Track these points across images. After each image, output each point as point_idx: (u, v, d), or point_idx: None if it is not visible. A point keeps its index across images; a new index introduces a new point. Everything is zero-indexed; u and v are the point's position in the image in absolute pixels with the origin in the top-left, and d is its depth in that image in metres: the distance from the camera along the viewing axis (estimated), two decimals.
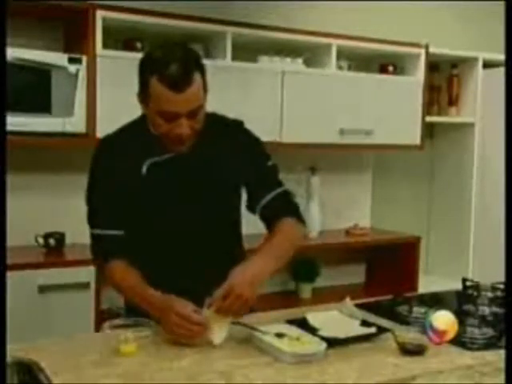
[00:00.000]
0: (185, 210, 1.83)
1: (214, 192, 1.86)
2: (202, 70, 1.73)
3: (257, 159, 1.93)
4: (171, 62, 1.66)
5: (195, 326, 1.62)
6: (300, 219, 1.93)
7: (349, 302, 1.95)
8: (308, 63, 3.46)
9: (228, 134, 1.90)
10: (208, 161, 1.84)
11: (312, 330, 1.71)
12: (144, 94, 1.74)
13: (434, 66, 3.96)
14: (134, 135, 1.85)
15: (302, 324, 1.75)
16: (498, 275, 2.21)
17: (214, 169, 1.85)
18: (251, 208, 1.94)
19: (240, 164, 1.88)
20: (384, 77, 3.69)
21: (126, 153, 1.82)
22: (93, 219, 1.86)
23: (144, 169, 1.80)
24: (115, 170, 1.81)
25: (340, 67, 3.56)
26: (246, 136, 1.94)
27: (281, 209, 1.90)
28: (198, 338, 1.62)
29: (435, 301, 1.98)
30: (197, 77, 1.69)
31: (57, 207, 3.14)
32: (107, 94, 2.84)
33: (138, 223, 1.85)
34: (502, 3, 3.75)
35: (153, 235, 1.86)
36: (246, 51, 3.31)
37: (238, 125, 1.95)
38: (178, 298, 1.67)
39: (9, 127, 2.28)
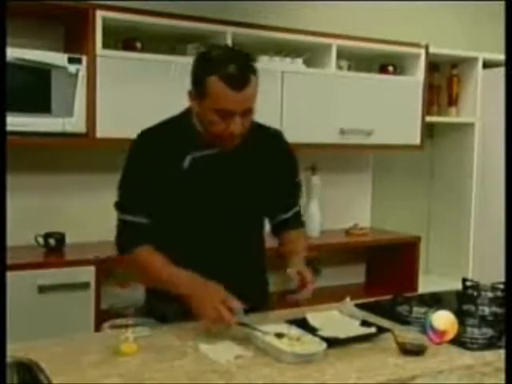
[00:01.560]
0: (219, 206, 1.89)
1: (248, 192, 1.93)
2: (256, 73, 1.79)
3: (288, 173, 2.05)
4: (232, 62, 1.73)
5: (227, 313, 1.65)
6: (305, 230, 2.18)
7: (349, 302, 1.95)
8: (308, 63, 3.46)
9: (268, 140, 1.99)
10: (246, 162, 1.91)
11: (312, 330, 1.71)
12: (198, 92, 1.77)
13: (434, 66, 3.96)
14: (177, 129, 1.89)
15: (302, 324, 1.75)
16: (498, 275, 2.21)
17: (250, 171, 1.93)
18: (269, 216, 2.07)
19: (273, 172, 1.97)
20: (384, 77, 3.69)
21: (168, 145, 1.85)
22: (124, 205, 1.89)
23: (186, 162, 1.84)
24: (155, 160, 1.84)
25: (340, 67, 3.56)
26: (284, 147, 2.05)
27: (294, 224, 2.09)
28: (224, 324, 1.65)
29: (435, 301, 1.98)
30: (253, 78, 1.77)
31: (57, 207, 3.13)
32: (107, 94, 2.84)
33: (171, 215, 1.88)
34: (502, 3, 3.74)
35: (184, 227, 1.89)
36: (246, 51, 3.30)
37: (278, 133, 2.07)
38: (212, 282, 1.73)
39: (9, 127, 2.27)
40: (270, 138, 2.01)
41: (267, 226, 2.10)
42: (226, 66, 1.72)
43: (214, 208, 1.88)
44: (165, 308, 1.89)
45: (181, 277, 1.77)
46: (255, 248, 2.03)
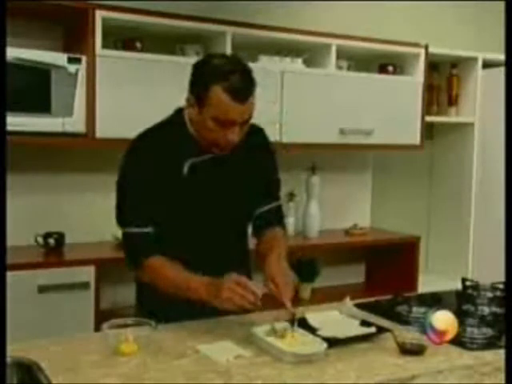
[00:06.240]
0: (215, 208, 1.90)
1: (239, 193, 1.96)
2: (255, 84, 1.82)
3: (268, 170, 2.05)
4: (235, 73, 1.75)
5: (250, 295, 1.66)
6: (285, 231, 2.10)
7: (349, 302, 1.95)
8: (308, 63, 3.46)
9: (251, 138, 1.93)
10: (236, 163, 1.92)
11: (312, 330, 1.71)
12: (199, 100, 1.78)
13: (434, 66, 3.96)
14: (171, 134, 1.88)
15: (302, 324, 1.75)
16: (498, 275, 2.22)
17: (240, 171, 1.94)
18: (250, 213, 2.04)
19: (256, 169, 1.98)
20: (384, 77, 3.69)
21: (166, 153, 1.84)
22: (127, 218, 1.87)
23: (185, 169, 1.85)
24: (154, 168, 1.83)
25: (340, 67, 3.56)
26: (265, 144, 2.05)
27: (272, 220, 2.04)
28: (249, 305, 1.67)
29: (435, 301, 1.98)
30: (253, 90, 1.80)
31: (57, 207, 3.13)
32: (107, 94, 2.84)
33: (171, 220, 1.87)
34: (502, 3, 3.74)
35: (182, 231, 1.89)
36: (246, 51, 3.31)
37: (259, 130, 2.03)
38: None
39: (9, 127, 2.28)
40: (252, 135, 1.97)
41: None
42: (230, 78, 1.73)
43: (210, 210, 1.89)
44: (167, 309, 1.89)
45: (196, 282, 1.76)
46: (242, 248, 2.05)
